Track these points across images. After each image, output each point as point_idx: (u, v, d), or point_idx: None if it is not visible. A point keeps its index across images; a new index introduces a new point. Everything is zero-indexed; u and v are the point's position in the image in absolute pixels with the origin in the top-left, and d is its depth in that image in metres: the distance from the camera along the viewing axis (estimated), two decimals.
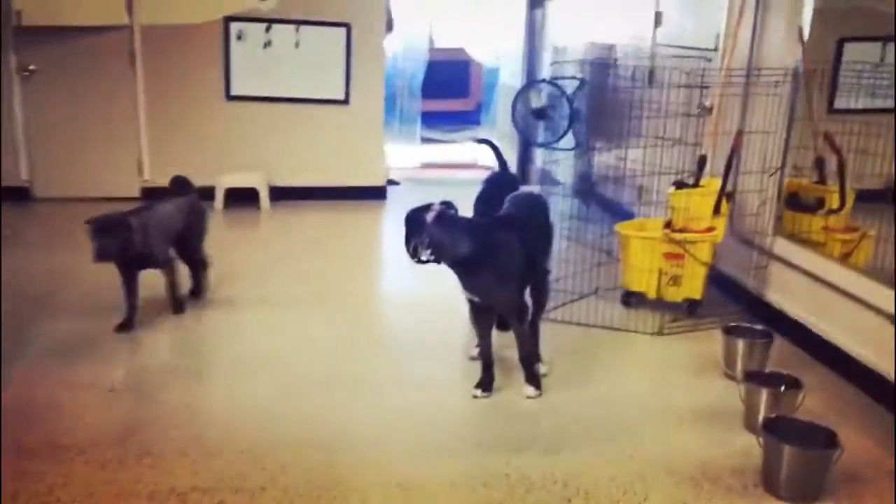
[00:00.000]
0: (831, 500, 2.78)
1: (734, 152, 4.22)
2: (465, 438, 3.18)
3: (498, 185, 4.17)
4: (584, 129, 7.18)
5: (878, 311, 3.54)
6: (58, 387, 3.41)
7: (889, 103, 4.17)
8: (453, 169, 10.22)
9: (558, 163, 7.00)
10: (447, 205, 3.21)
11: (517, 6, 8.69)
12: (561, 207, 6.11)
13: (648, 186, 4.90)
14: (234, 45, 6.48)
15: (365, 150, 6.90)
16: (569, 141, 7.35)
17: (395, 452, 3.02)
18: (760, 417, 3.22)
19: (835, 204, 4.38)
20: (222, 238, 5.43)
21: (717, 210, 4.29)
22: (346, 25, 6.58)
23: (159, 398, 3.37)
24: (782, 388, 3.26)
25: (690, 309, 4.44)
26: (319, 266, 5.34)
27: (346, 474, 2.83)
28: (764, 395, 3.22)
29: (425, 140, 9.97)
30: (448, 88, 10.23)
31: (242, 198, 6.60)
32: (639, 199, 5.20)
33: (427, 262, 3.15)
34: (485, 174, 4.60)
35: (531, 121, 7.38)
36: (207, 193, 6.61)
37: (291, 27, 6.52)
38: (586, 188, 7.05)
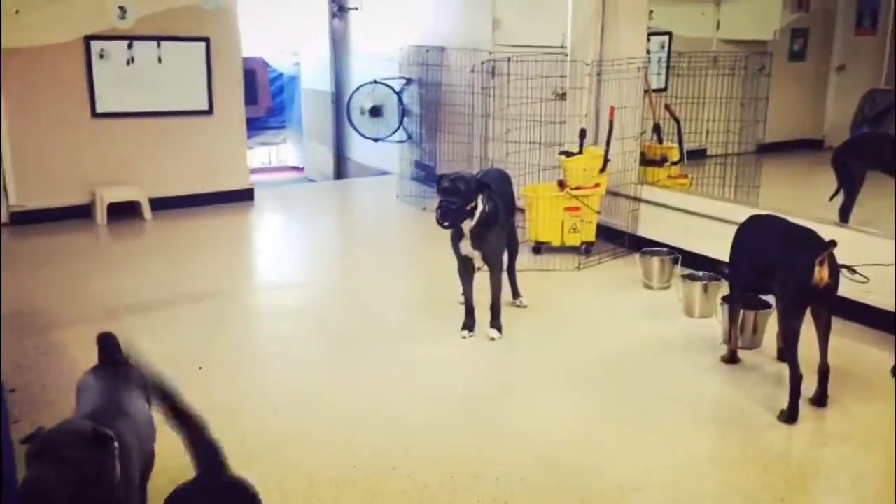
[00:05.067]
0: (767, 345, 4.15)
1: (611, 123, 5.53)
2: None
3: None
4: (416, 122, 8.21)
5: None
6: None
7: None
8: (276, 172, 10.92)
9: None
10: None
11: (317, 16, 9.47)
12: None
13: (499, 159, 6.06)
14: (97, 63, 6.58)
15: (230, 156, 7.32)
16: (401, 134, 8.36)
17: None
18: (697, 306, 4.55)
19: (675, 157, 5.91)
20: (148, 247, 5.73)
21: (603, 169, 5.58)
22: (206, 39, 6.97)
23: None
24: (704, 283, 4.60)
25: (587, 250, 5.70)
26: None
27: None
28: (698, 288, 4.54)
29: None
30: None
31: (119, 212, 6.73)
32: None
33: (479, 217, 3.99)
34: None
35: (366, 119, 8.26)
36: (85, 209, 6.70)
37: (153, 43, 6.76)
38: (428, 173, 8.10)
